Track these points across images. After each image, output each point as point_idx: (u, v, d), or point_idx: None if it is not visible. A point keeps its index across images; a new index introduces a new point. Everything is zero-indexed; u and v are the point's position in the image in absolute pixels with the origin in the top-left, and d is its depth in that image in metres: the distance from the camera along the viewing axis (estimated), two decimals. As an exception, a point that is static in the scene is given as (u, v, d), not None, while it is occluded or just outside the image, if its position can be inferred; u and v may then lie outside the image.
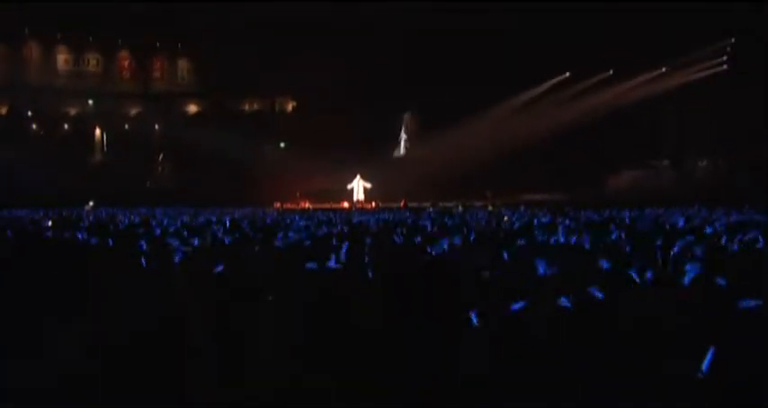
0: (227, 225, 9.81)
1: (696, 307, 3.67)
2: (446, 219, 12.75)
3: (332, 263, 5.09)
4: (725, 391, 2.86)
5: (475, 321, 3.60)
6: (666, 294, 4.00)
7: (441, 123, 29.64)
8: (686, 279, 4.08)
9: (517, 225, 9.72)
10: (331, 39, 28.69)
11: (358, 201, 27.43)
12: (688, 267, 4.28)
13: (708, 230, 7.97)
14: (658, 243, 6.41)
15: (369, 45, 28.41)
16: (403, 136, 34.17)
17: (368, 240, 7.19)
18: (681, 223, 9.84)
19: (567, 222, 10.77)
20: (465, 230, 8.50)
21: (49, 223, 11.93)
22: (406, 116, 33.97)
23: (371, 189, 28.48)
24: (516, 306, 3.72)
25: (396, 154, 34.10)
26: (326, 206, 25.10)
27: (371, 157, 29.32)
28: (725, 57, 27.36)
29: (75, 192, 27.36)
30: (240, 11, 28.51)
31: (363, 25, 28.17)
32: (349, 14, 28.06)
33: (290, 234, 7.88)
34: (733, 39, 26.85)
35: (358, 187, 28.36)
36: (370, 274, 4.88)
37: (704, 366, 2.76)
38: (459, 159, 27.34)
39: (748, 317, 3.33)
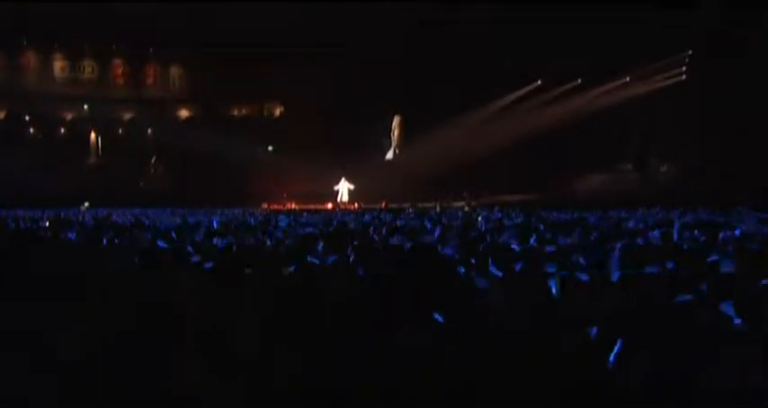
0: (215, 225, 9.87)
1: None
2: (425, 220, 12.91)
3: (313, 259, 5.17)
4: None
5: (441, 320, 3.73)
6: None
7: (422, 128, 29.88)
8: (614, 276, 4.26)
9: (485, 226, 9.84)
10: (318, 45, 28.75)
11: (341, 202, 27.51)
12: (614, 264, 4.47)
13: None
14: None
15: (355, 51, 28.54)
16: (392, 139, 34.24)
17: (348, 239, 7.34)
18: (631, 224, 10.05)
19: (540, 225, 10.91)
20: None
21: (47, 223, 11.90)
22: (395, 120, 34.09)
23: (355, 190, 28.57)
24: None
25: (387, 156, 34.17)
26: (311, 207, 25.10)
27: (356, 160, 29.43)
28: (683, 68, 27.75)
29: (71, 193, 27.34)
30: (230, 18, 28.56)
31: (350, 32, 28.27)
32: (336, 21, 28.15)
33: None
34: (691, 52, 27.25)
35: (343, 188, 28.43)
36: (360, 272, 4.97)
37: (611, 358, 2.87)
38: (439, 161, 27.51)
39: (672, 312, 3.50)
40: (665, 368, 2.94)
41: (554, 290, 4.08)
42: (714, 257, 5.52)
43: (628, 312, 3.67)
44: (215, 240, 7.53)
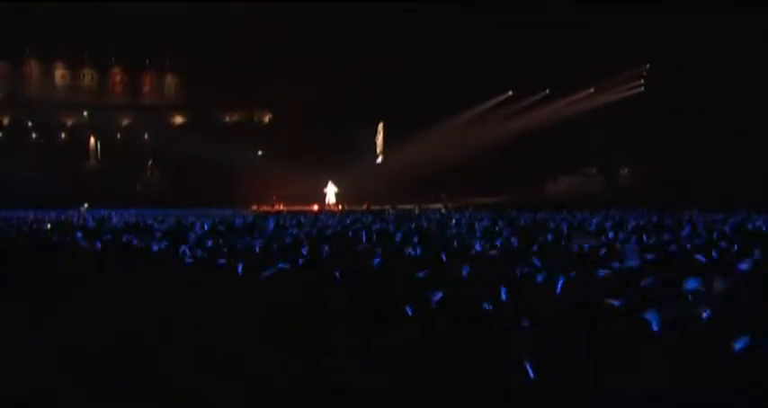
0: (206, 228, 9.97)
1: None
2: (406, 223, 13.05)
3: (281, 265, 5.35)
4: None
5: (410, 313, 3.95)
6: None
7: (404, 134, 30.08)
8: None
9: (455, 230, 9.99)
10: (304, 56, 28.90)
11: (327, 204, 27.53)
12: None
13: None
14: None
15: (340, 62, 28.67)
16: (376, 144, 34.30)
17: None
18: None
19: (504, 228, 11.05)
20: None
21: (48, 226, 11.89)
22: (380, 126, 34.19)
23: (340, 192, 28.58)
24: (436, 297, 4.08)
25: (378, 160, 34.21)
26: (297, 208, 24.96)
27: (341, 164, 29.49)
28: (642, 81, 28.25)
29: (71, 195, 27.22)
30: (223, 29, 28.68)
31: (335, 44, 28.43)
32: (322, 33, 28.30)
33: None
34: (648, 65, 27.75)
35: (330, 191, 28.38)
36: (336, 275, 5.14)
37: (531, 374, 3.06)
38: (419, 165, 27.76)
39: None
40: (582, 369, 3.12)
41: (503, 294, 4.25)
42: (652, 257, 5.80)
43: (566, 314, 3.91)
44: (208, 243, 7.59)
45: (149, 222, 13.02)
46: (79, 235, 8.75)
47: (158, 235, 9.03)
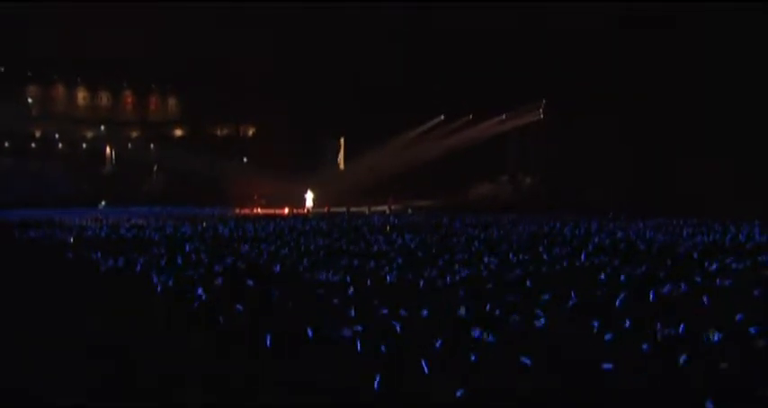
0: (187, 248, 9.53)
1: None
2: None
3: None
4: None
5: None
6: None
7: (360, 150, 30.70)
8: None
9: (383, 246, 9.94)
10: (279, 80, 29.32)
11: (307, 208, 27.13)
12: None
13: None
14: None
15: (309, 88, 29.10)
16: (339, 156, 34.57)
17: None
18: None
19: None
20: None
21: (71, 239, 11.65)
22: (340, 141, 34.57)
23: (315, 197, 28.57)
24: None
25: (337, 170, 34.44)
26: (272, 212, 24.88)
27: (311, 172, 29.66)
28: (541, 110, 29.55)
29: (90, 195, 27.42)
30: (215, 61, 28.95)
31: (306, 75, 28.86)
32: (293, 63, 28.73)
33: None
34: (544, 100, 29.07)
35: (308, 197, 28.27)
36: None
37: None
38: (371, 174, 28.45)
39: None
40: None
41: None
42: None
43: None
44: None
45: (149, 233, 12.97)
46: (98, 254, 8.89)
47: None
